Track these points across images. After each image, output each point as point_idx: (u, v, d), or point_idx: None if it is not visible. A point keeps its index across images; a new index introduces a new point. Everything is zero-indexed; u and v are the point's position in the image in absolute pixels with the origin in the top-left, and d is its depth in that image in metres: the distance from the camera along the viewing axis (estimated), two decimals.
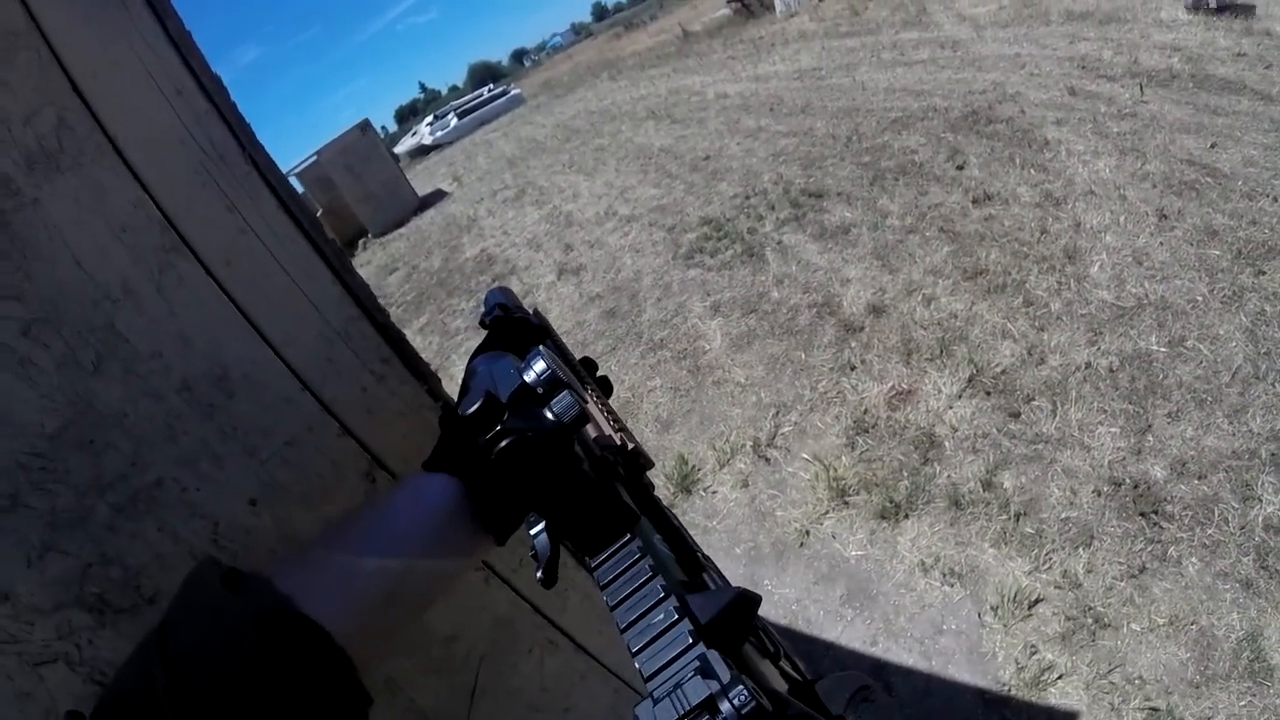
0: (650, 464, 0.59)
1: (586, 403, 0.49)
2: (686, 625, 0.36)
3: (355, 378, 0.73)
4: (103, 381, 0.58)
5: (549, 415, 0.46)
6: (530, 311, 0.67)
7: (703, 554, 0.54)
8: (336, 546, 0.46)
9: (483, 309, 0.65)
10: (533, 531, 0.50)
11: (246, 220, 0.66)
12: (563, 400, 0.46)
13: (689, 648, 0.34)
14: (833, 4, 13.49)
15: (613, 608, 0.40)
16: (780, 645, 0.46)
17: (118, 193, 0.60)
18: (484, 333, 0.63)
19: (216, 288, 0.64)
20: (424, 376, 0.78)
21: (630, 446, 0.59)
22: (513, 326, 0.62)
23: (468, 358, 0.58)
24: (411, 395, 0.77)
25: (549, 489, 0.47)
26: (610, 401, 0.70)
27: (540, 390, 0.47)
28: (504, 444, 0.45)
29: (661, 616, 0.37)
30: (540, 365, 0.47)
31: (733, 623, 0.37)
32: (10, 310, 0.54)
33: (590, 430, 0.54)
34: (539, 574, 0.49)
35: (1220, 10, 7.46)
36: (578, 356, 0.69)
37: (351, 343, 0.72)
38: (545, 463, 0.46)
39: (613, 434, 0.59)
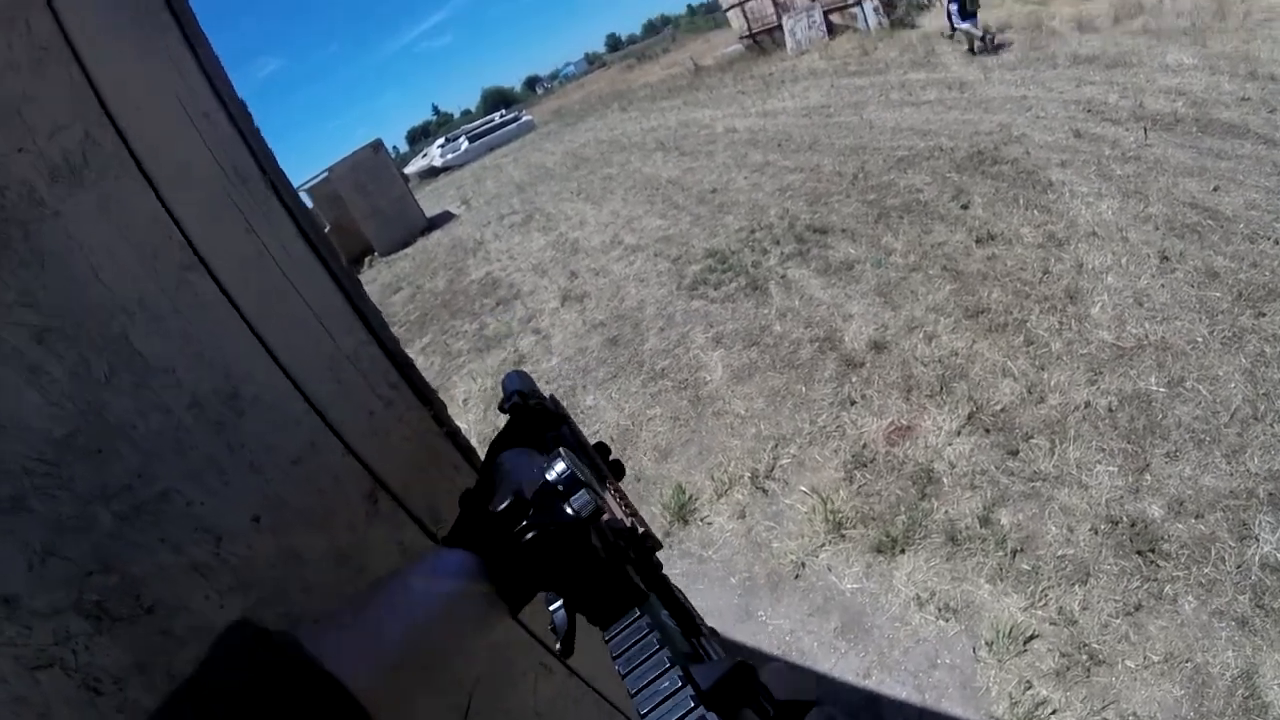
0: (658, 545, 0.65)
1: (602, 497, 0.55)
2: (689, 691, 0.40)
3: (363, 401, 0.73)
4: (113, 393, 0.59)
5: (569, 510, 0.52)
6: (547, 397, 0.74)
7: (705, 625, 0.58)
8: (363, 612, 0.50)
9: (501, 393, 0.71)
10: (551, 607, 0.56)
11: (264, 243, 0.68)
12: (580, 498, 0.52)
13: (690, 710, 0.39)
14: (843, 43, 13.74)
15: (624, 675, 0.45)
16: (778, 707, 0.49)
17: (139, 209, 0.62)
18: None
19: (232, 307, 0.65)
20: (430, 402, 0.79)
21: (640, 530, 0.64)
22: (531, 413, 0.68)
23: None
24: (417, 421, 0.78)
25: (567, 572, 0.53)
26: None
27: (561, 488, 0.53)
28: (529, 536, 0.52)
29: (667, 683, 0.42)
30: (560, 466, 0.54)
31: (731, 689, 0.42)
32: (24, 317, 0.55)
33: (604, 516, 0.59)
34: (557, 645, 0.55)
35: (993, 49, 8.23)
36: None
37: (360, 366, 0.73)
38: (564, 551, 0.53)
39: (624, 518, 0.65)
